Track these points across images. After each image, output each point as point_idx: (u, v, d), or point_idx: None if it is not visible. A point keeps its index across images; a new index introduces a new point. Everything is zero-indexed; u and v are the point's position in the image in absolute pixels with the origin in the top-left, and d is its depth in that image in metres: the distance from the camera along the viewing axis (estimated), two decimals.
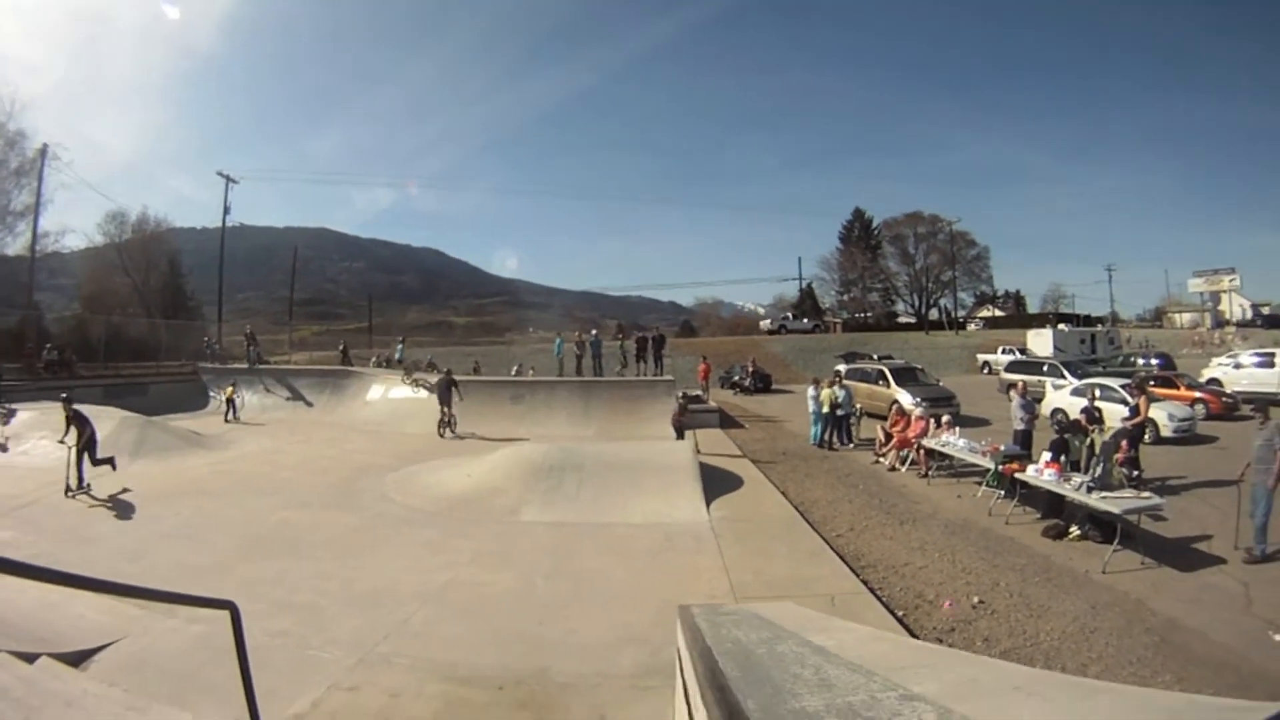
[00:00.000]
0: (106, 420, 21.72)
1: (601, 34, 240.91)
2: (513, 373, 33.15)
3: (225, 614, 6.46)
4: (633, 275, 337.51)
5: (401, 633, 7.86)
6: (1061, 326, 52.69)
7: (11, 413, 23.01)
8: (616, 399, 25.47)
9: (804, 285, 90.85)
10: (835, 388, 20.99)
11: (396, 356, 36.47)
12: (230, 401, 28.77)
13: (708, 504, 13.39)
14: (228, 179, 50.62)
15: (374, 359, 41.46)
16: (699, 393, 29.75)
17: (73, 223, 60.47)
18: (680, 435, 18.99)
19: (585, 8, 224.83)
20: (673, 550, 11.02)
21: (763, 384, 41.49)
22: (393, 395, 29.52)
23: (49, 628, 7.20)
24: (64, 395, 15.47)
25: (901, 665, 2.87)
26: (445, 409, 23.85)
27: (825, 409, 20.79)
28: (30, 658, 5.70)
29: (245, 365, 36.14)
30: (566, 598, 9.01)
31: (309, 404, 31.06)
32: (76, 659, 6.48)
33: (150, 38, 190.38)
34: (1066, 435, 13.32)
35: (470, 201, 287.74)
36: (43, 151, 46.41)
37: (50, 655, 6.04)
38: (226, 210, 50.86)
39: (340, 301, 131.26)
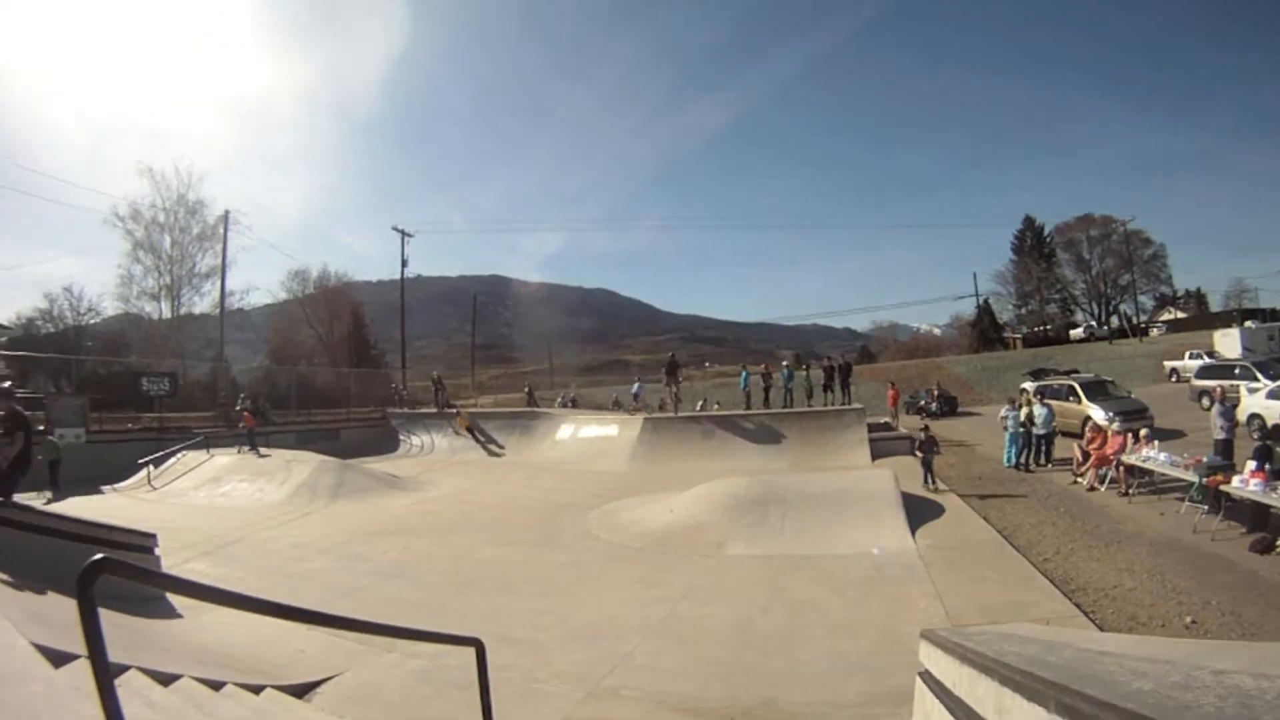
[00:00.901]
0: (303, 464, 23.12)
1: (751, 56, 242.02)
2: (697, 408, 33.29)
3: (450, 649, 6.87)
4: (805, 304, 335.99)
5: (626, 666, 8.04)
6: (1249, 324, 48.28)
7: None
8: (808, 430, 25.19)
9: (980, 301, 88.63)
10: (1036, 406, 20.27)
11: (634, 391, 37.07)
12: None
13: (912, 532, 13.24)
14: (403, 233, 53.40)
15: (559, 400, 42.60)
16: (887, 419, 29.34)
17: (257, 281, 64.52)
18: (928, 469, 17.91)
19: (731, 33, 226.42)
20: (883, 579, 10.96)
21: (949, 407, 40.41)
22: (582, 434, 29.99)
23: (268, 662, 7.66)
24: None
25: (1186, 654, 2.83)
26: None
27: (1023, 428, 20.10)
28: (256, 689, 6.17)
29: (433, 410, 37.51)
30: (785, 629, 9.09)
31: (500, 446, 31.87)
32: (300, 691, 6.87)
33: (313, 105, 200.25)
34: (1269, 442, 12.67)
35: (638, 240, 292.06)
36: (224, 217, 49.92)
37: (274, 687, 6.50)
38: (404, 263, 53.49)
39: (516, 345, 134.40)
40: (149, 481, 24.39)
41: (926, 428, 19.62)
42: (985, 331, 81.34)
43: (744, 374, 32.26)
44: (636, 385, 37.50)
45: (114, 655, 5.33)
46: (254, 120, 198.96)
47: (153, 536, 11.17)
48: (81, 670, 5.18)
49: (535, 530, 15.77)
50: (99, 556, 2.45)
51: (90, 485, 22.34)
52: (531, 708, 6.88)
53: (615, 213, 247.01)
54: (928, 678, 4.40)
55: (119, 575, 2.61)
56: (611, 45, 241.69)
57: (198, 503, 20.76)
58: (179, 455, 26.62)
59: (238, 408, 33.86)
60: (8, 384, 13.13)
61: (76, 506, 17.37)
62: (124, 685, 5.16)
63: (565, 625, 9.40)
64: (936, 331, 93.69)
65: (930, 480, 17.64)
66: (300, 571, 13.03)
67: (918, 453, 18.82)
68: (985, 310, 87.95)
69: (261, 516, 18.44)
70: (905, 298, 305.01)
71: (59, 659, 4.86)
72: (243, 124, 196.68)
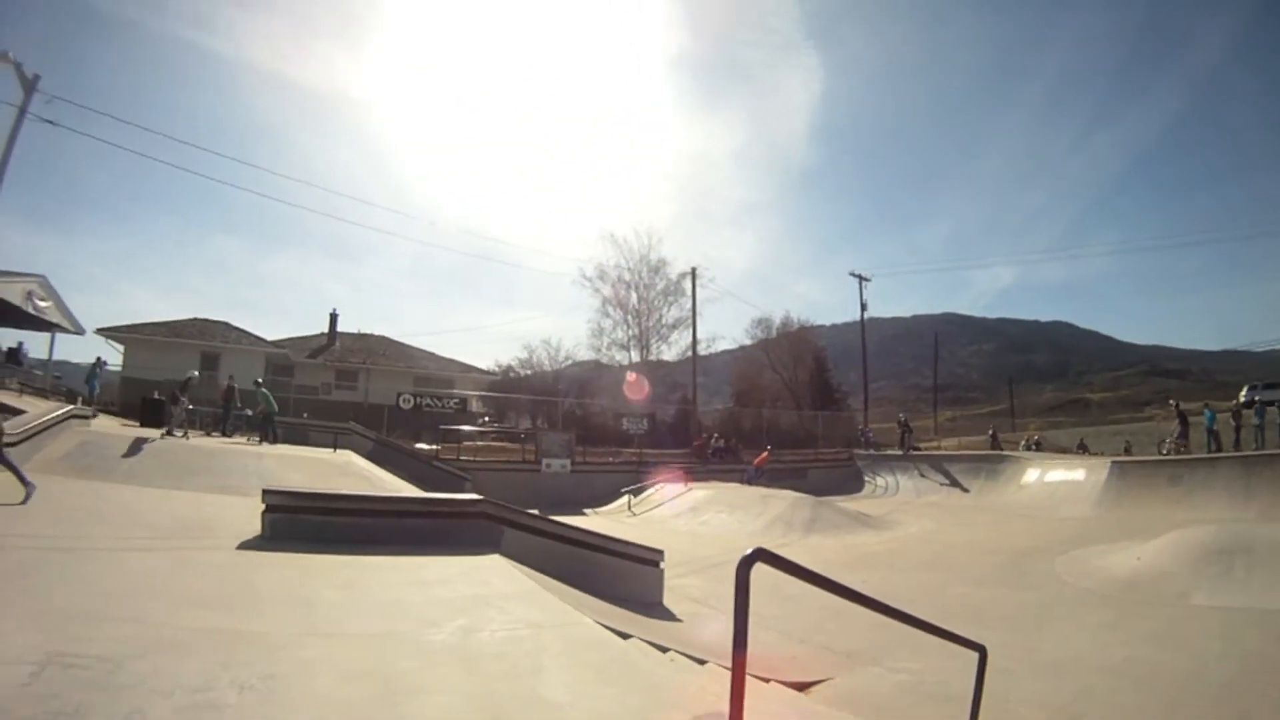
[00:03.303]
0: (779, 499, 25.20)
1: (1171, 43, 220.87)
2: (1163, 451, 31.97)
3: (932, 667, 8.06)
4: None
5: (1087, 698, 8.85)
6: None
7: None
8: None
9: None
10: None
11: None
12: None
13: None
14: (860, 278, 55.27)
15: (1022, 443, 42.05)
16: None
17: (714, 328, 68.48)
18: None
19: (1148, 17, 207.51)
20: None
21: None
22: (1048, 478, 29.62)
23: (762, 661, 9.18)
24: None
25: None
26: None
27: None
28: (764, 680, 7.74)
29: (899, 452, 38.57)
30: (1239, 679, 9.37)
31: (965, 489, 32.24)
32: (798, 686, 8.38)
33: (748, 160, 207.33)
34: None
35: (1092, 266, 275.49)
36: (692, 273, 54.52)
37: (779, 681, 8.06)
38: (863, 307, 55.10)
39: (971, 385, 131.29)
40: (629, 508, 27.71)
41: None
42: None
43: (1208, 414, 30.06)
44: None
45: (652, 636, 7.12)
46: (695, 182, 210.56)
47: (660, 552, 13.43)
48: (636, 645, 7.13)
49: (1004, 571, 16.39)
50: (755, 549, 4.00)
51: (574, 508, 25.52)
52: None
53: (1063, 240, 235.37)
54: None
55: (768, 564, 4.15)
56: (1030, 62, 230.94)
57: (677, 529, 23.20)
58: (657, 486, 29.58)
59: (711, 446, 36.84)
60: None
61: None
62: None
63: (1032, 658, 10.21)
64: None
65: None
66: (789, 594, 14.59)
67: None
68: None
69: (742, 544, 20.04)
70: None
71: (623, 635, 7.56)
72: (686, 186, 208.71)
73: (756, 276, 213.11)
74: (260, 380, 29.67)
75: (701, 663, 7.65)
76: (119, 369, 40.24)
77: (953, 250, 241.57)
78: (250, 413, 28.14)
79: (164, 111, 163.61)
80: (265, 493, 11.69)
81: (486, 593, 8.50)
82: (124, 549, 9.36)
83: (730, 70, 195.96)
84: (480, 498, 12.89)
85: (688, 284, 58.71)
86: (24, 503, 11.69)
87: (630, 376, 58.44)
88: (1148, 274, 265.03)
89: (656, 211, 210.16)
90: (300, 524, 11.28)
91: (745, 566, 3.91)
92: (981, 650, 6.93)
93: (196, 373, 28.57)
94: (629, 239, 67.09)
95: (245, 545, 10.43)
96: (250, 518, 11.79)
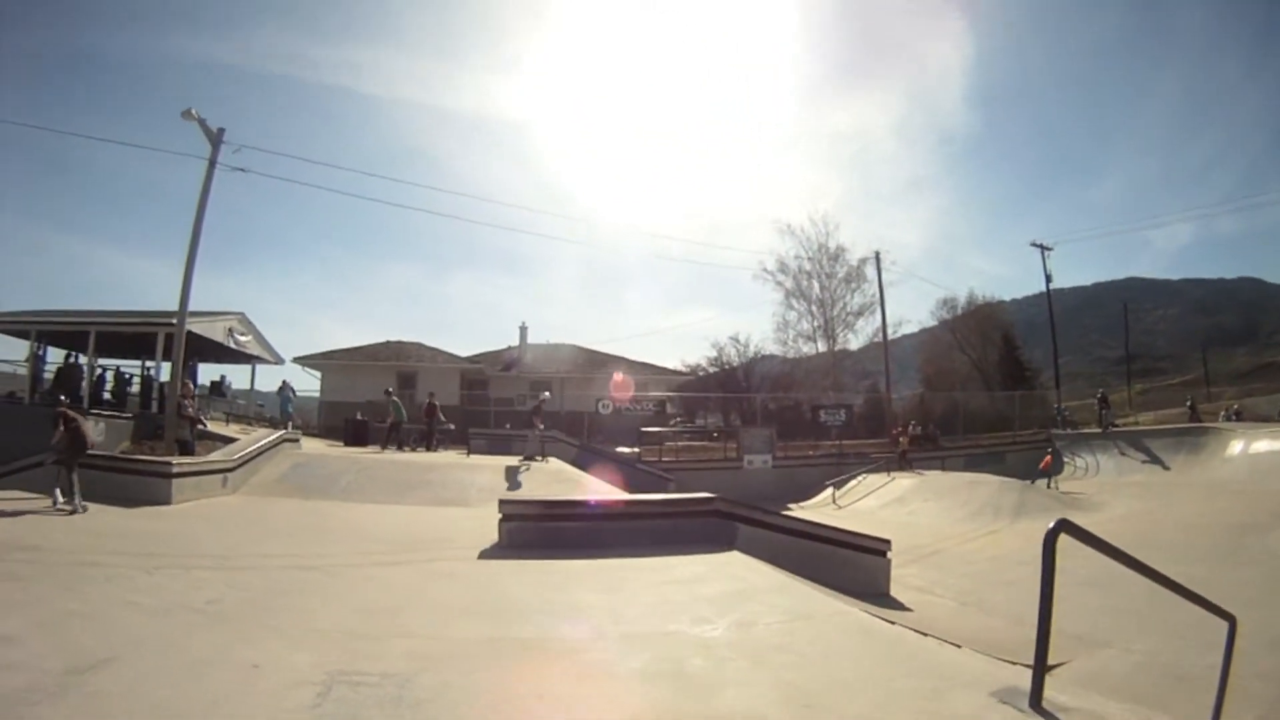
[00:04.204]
0: (984, 485, 25.82)
1: None
2: None
3: (1170, 645, 8.68)
4: None
5: None
6: None
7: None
8: None
9: None
10: None
11: None
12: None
13: None
14: (1043, 248, 52.76)
15: (1221, 413, 40.79)
16: None
17: (898, 310, 68.01)
18: None
19: None
20: None
21: None
22: (1253, 450, 28.71)
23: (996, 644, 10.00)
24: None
25: None
26: None
27: None
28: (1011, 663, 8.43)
29: (1098, 429, 38.11)
30: None
31: (1166, 466, 31.53)
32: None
33: (910, 132, 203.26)
34: None
35: (1275, 215, 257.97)
36: (876, 257, 54.04)
37: (1023, 665, 8.69)
38: (1048, 278, 52.83)
39: (1159, 353, 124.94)
40: (833, 500, 28.25)
41: None
42: None
43: None
44: None
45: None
46: (859, 162, 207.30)
47: (887, 542, 13.75)
48: (904, 631, 7.80)
49: (1219, 548, 16.16)
50: (1059, 520, 4.88)
51: (778, 502, 25.28)
52: (1244, 696, 8.01)
53: (1242, 187, 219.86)
54: None
55: (1070, 535, 5.00)
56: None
57: (885, 519, 23.22)
58: (860, 477, 30.10)
59: (908, 434, 37.06)
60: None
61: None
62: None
63: (1263, 634, 10.18)
64: None
65: None
66: (1010, 579, 14.97)
67: None
68: None
69: (952, 532, 20.86)
70: None
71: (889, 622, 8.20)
72: (851, 167, 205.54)
73: (933, 254, 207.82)
74: (390, 390, 30.91)
75: (957, 646, 7.83)
76: (317, 394, 43.53)
77: (1128, 209, 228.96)
78: (453, 427, 29.97)
79: (326, 155, 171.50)
80: (501, 503, 12.49)
81: (744, 587, 8.96)
82: (370, 564, 9.99)
83: (880, 43, 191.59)
84: (713, 496, 13.41)
85: (868, 269, 58.48)
86: (72, 513, 12.58)
87: (825, 365, 58.78)
88: None
89: (827, 197, 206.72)
90: (537, 530, 12.02)
91: (1052, 536, 4.80)
92: (1231, 620, 7.23)
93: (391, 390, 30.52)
94: (805, 228, 66.38)
95: (486, 555, 11.05)
96: (479, 528, 12.63)
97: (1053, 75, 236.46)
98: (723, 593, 8.57)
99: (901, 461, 33.26)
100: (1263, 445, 28.50)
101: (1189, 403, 42.90)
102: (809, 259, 65.22)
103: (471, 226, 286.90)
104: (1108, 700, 5.30)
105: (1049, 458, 33.50)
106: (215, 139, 23.69)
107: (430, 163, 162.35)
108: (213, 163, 23.73)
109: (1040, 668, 4.77)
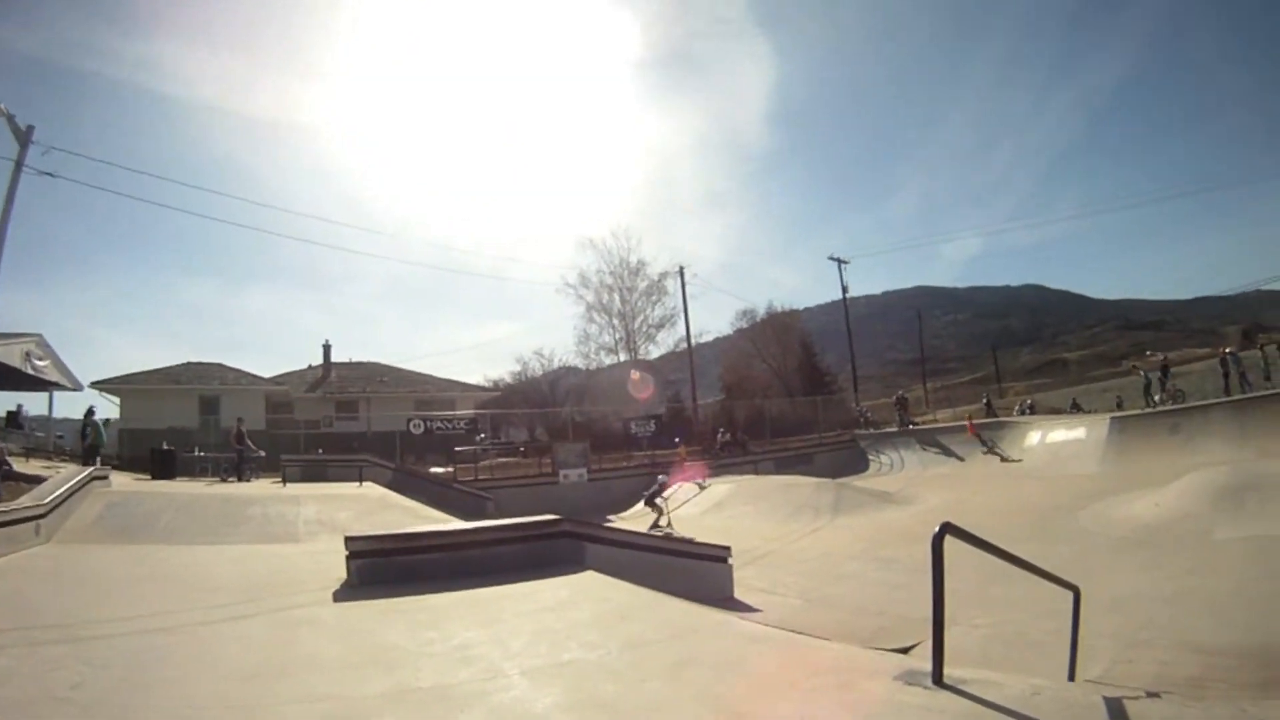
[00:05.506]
0: (800, 486, 26.90)
1: None
2: (1156, 401, 33.10)
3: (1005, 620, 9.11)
4: (1247, 269, 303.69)
5: (1152, 625, 10.06)
6: None
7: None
8: (1272, 414, 24.85)
9: None
10: None
11: None
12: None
13: None
14: (839, 261, 56.32)
15: (1016, 407, 43.35)
16: None
17: (695, 319, 69.67)
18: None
19: None
20: None
21: None
22: (1050, 439, 30.89)
23: (859, 629, 10.66)
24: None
25: None
26: None
27: None
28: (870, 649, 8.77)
29: (896, 429, 39.83)
30: (1274, 593, 10.69)
31: (960, 459, 33.55)
32: (901, 652, 9.35)
33: (709, 149, 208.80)
34: None
35: (1060, 227, 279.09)
36: (680, 272, 56.01)
37: (881, 649, 9.01)
38: (845, 289, 56.16)
39: (949, 356, 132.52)
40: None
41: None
42: None
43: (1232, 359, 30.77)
44: None
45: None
46: (662, 178, 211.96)
47: (727, 548, 14.18)
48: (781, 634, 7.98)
49: (1034, 530, 17.27)
50: (943, 524, 5.12)
51: (597, 515, 25.38)
52: (1088, 653, 8.57)
53: (1029, 203, 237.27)
54: None
55: (956, 537, 5.27)
56: (983, 23, 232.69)
57: (709, 525, 23.42)
58: (676, 486, 30.47)
59: (718, 440, 37.93)
60: None
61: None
62: None
63: (1091, 600, 11.01)
64: None
65: None
66: (845, 573, 15.78)
67: None
68: None
69: (777, 533, 21.40)
70: None
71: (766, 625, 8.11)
72: (653, 183, 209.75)
73: (731, 266, 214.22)
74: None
75: (828, 640, 8.19)
76: (115, 419, 39.75)
77: (920, 223, 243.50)
78: (263, 454, 28.46)
79: (119, 157, 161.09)
80: (348, 539, 11.92)
81: (614, 607, 8.91)
82: (223, 619, 8.99)
83: (685, 63, 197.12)
84: (560, 517, 13.41)
85: (668, 282, 60.63)
86: None
87: (633, 376, 59.47)
88: (1114, 229, 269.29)
89: (628, 212, 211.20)
90: (388, 566, 11.58)
91: (939, 539, 5.07)
92: (1076, 591, 8.08)
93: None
94: (608, 242, 69.30)
95: (341, 596, 10.46)
96: (320, 565, 12.18)
97: (854, 97, 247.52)
98: (597, 615, 8.51)
99: (715, 462, 34.54)
100: (1059, 435, 30.98)
101: (985, 399, 45.34)
102: (611, 273, 67.86)
103: (271, 239, 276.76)
104: (990, 671, 5.60)
105: (970, 425, 35.61)
106: (24, 138, 22.05)
107: (231, 170, 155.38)
108: (19, 164, 22.09)
109: (939, 650, 5.02)
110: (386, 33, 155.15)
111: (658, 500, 25.89)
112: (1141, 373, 35.43)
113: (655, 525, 24.16)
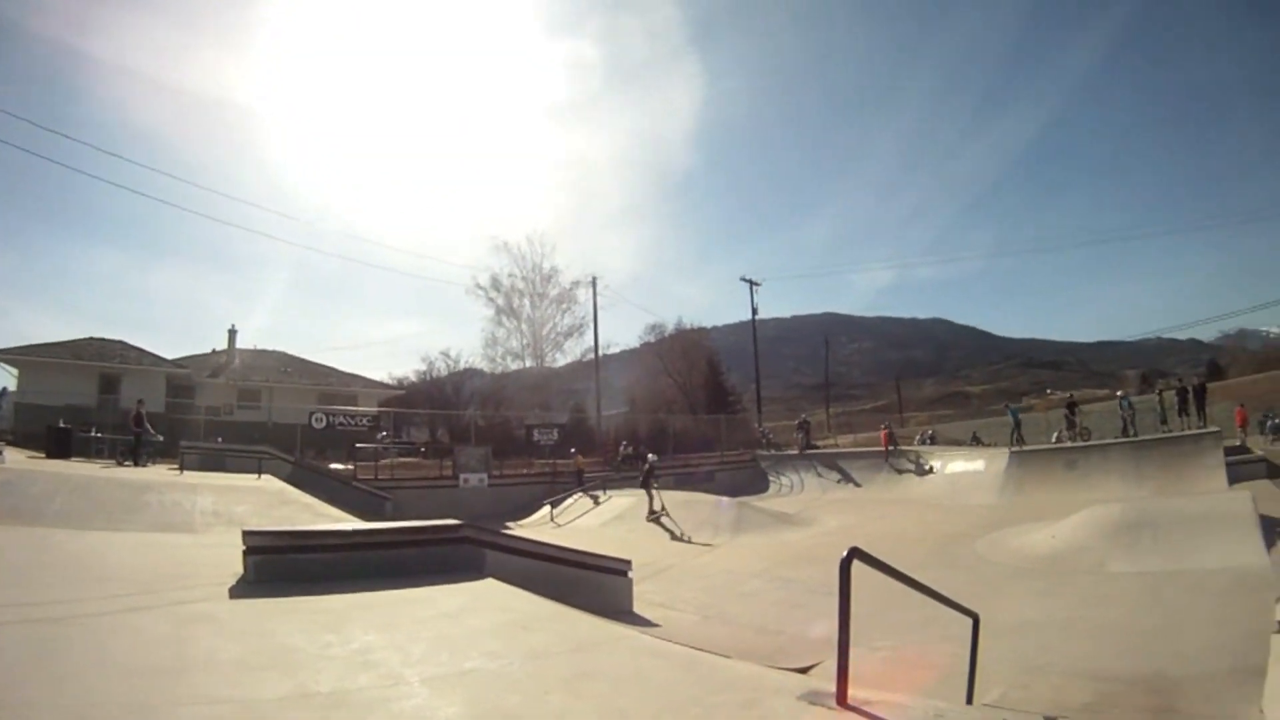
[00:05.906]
0: (700, 504, 26.74)
1: (1046, 50, 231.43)
2: (1053, 439, 34.08)
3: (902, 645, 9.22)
4: (1147, 319, 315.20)
5: (1047, 652, 10.31)
6: None
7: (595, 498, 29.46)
8: (1168, 456, 25.88)
9: None
10: None
11: None
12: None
13: (1268, 549, 14.46)
14: (751, 283, 57.04)
15: (917, 437, 44.05)
16: (1237, 443, 29.58)
17: (606, 331, 69.81)
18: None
19: (1020, 30, 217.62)
20: (1244, 589, 12.36)
21: None
22: (950, 470, 31.59)
23: (759, 648, 10.61)
24: None
25: None
26: None
27: None
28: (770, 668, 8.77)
29: (797, 452, 40.24)
30: (1165, 625, 11.14)
31: (857, 484, 34.24)
32: (801, 671, 9.34)
33: (632, 165, 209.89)
34: None
35: (969, 265, 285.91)
36: (593, 282, 56.20)
37: (780, 668, 8.97)
38: (755, 311, 56.60)
39: (853, 383, 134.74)
40: (551, 519, 28.36)
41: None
42: None
43: (1123, 399, 32.68)
44: None
45: None
46: (580, 188, 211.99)
47: (628, 562, 14.06)
48: (690, 652, 7.92)
49: (933, 557, 17.58)
50: (852, 548, 5.21)
51: (496, 521, 24.74)
52: (985, 678, 8.64)
53: (941, 240, 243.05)
54: None
55: (863, 562, 5.37)
56: (909, 68, 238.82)
57: (608, 536, 23.27)
58: (576, 496, 30.56)
59: (619, 454, 37.97)
60: None
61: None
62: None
63: (988, 625, 11.16)
64: None
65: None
66: (745, 591, 15.90)
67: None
68: None
69: (677, 548, 21.54)
70: (1256, 299, 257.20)
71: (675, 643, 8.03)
72: (571, 191, 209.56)
73: (642, 280, 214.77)
74: None
75: (728, 657, 8.15)
76: (12, 392, 38.02)
77: (833, 251, 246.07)
78: (162, 439, 27.35)
79: (37, 115, 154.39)
80: (246, 533, 11.47)
81: (516, 617, 8.75)
82: (117, 610, 8.51)
83: (613, 73, 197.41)
84: (461, 523, 13.22)
85: (579, 291, 60.67)
86: None
87: (530, 384, 59.33)
88: (1022, 271, 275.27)
89: (544, 218, 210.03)
90: (285, 564, 11.26)
91: (846, 562, 5.17)
92: (975, 617, 8.29)
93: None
94: (522, 246, 69.12)
95: (238, 593, 10.01)
96: (217, 558, 11.67)
97: (783, 121, 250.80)
98: (498, 624, 8.37)
99: (617, 475, 34.60)
100: (958, 466, 31.76)
101: (886, 427, 45.91)
102: (523, 278, 67.63)
103: (182, 215, 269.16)
104: (893, 693, 5.66)
105: (885, 435, 36.48)
106: None
107: (144, 139, 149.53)
108: None
109: (843, 671, 5.09)
110: (318, 17, 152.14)
111: (652, 485, 26.17)
112: (1010, 413, 36.23)
113: (651, 512, 24.81)
